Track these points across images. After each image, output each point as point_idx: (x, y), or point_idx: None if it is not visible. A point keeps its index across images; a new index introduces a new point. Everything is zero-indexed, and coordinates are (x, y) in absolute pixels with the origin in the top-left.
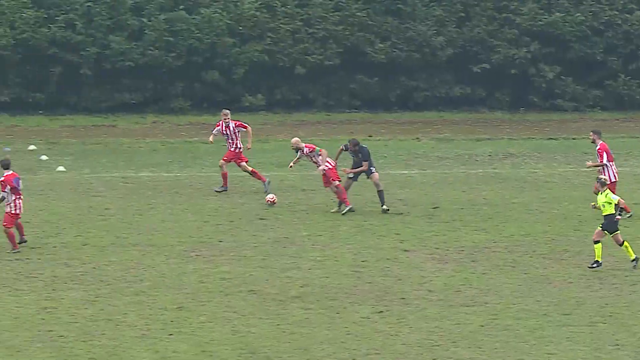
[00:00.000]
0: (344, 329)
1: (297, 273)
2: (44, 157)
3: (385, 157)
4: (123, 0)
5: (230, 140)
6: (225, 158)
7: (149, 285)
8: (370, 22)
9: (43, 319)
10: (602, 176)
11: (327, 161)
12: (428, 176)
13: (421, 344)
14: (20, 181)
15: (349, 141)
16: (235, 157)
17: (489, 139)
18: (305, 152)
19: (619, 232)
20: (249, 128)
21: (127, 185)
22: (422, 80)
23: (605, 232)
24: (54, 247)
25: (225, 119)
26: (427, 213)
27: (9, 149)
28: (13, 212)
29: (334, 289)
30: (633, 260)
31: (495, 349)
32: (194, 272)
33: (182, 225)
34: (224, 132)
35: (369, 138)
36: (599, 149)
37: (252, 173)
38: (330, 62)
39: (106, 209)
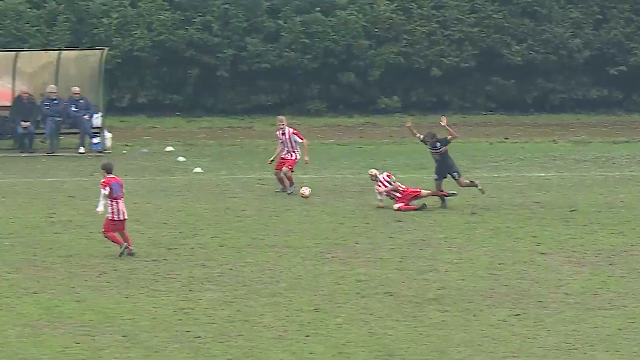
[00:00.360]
0: (481, 331)
1: (434, 275)
2: (181, 159)
3: (522, 159)
4: (259, 2)
5: (286, 148)
6: (289, 167)
7: (285, 286)
8: (506, 24)
9: (180, 320)
10: None
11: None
12: (565, 179)
13: (558, 347)
14: (122, 188)
15: (426, 134)
16: (286, 162)
17: (626, 141)
18: (380, 188)
19: None
20: (305, 141)
21: (264, 187)
22: (558, 83)
23: None
24: (191, 248)
25: (280, 125)
26: (564, 216)
27: (146, 150)
28: (110, 217)
29: (471, 291)
30: None
31: (634, 352)
32: (330, 274)
33: (318, 227)
34: (281, 139)
35: (505, 140)
36: None
37: (280, 180)
38: (466, 64)
39: (243, 210)
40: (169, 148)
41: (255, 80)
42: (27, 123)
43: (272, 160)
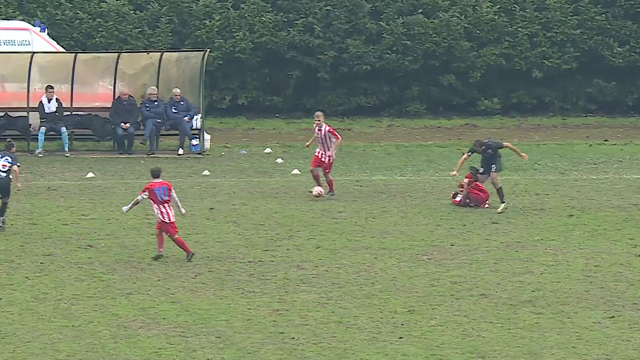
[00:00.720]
0: (575, 333)
1: (529, 277)
2: (279, 160)
3: (621, 161)
4: (362, 4)
5: (321, 145)
6: (327, 170)
7: (380, 288)
8: (608, 26)
9: (274, 321)
10: None
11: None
12: None
13: None
14: (171, 192)
15: (475, 143)
16: (322, 164)
17: None
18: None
19: None
20: (340, 140)
21: (361, 189)
22: None
23: None
24: (287, 249)
25: (317, 120)
26: None
27: (245, 152)
28: (163, 220)
29: (566, 293)
30: None
31: None
32: (425, 276)
33: (414, 229)
34: (317, 135)
35: (604, 142)
36: None
37: (316, 178)
38: (568, 66)
39: (339, 212)
40: (268, 150)
41: (356, 82)
42: (127, 124)
43: (308, 145)
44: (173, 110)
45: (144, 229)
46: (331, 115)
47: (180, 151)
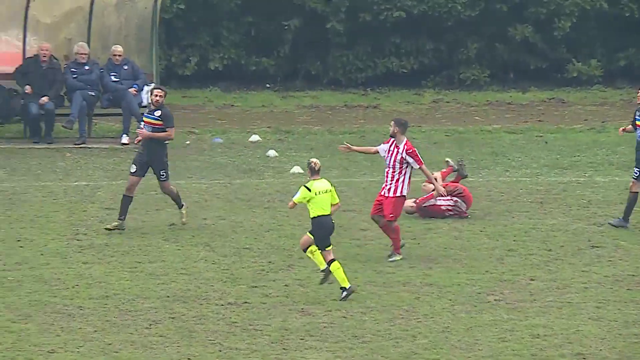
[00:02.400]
0: None
1: None
2: (272, 153)
3: None
4: None
5: None
6: None
7: (425, 343)
8: None
9: None
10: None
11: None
12: None
13: None
14: None
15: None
16: None
17: None
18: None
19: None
20: None
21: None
22: None
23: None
24: (285, 285)
25: None
26: None
27: (220, 140)
28: None
29: None
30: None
31: None
32: (492, 325)
33: (475, 254)
34: None
35: None
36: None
37: None
38: None
39: (362, 229)
40: (255, 137)
41: (384, 36)
42: (45, 98)
43: None
44: (113, 79)
45: (71, 255)
46: (348, 86)
47: (125, 139)
